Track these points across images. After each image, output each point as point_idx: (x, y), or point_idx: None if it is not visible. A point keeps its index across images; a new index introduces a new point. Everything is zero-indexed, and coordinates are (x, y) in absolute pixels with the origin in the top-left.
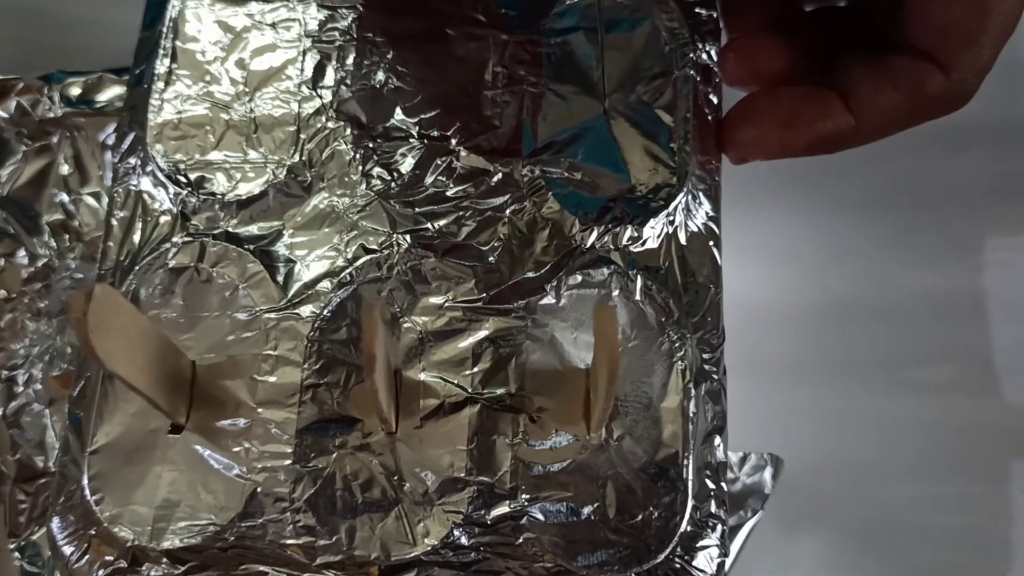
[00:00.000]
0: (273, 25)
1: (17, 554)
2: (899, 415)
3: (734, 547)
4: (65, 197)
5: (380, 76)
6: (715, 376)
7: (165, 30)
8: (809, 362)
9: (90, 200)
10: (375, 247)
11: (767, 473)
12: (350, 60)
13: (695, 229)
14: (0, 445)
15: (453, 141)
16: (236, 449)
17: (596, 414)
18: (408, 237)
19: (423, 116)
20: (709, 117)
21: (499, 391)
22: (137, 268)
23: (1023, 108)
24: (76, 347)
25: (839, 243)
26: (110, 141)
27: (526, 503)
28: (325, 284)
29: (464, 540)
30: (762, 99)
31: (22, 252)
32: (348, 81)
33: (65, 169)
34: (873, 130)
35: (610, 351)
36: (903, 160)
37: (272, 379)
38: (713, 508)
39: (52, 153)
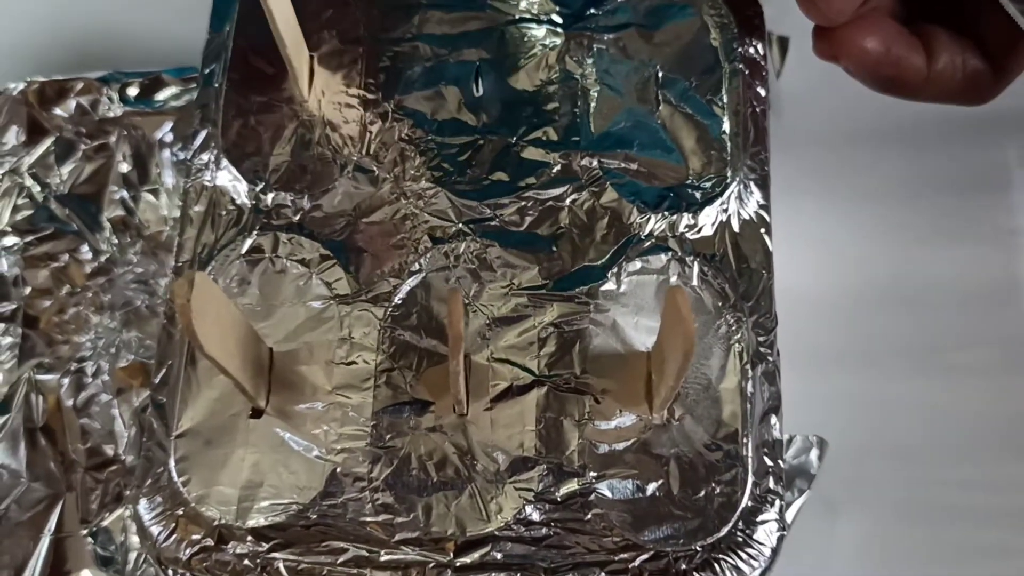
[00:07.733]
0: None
1: (90, 539)
2: (939, 399)
3: None
4: (125, 194)
5: (441, 73)
6: (770, 358)
7: (232, 31)
8: (850, 348)
9: (149, 196)
10: (442, 237)
11: (813, 454)
12: (412, 58)
13: (747, 217)
14: (71, 434)
15: (513, 135)
16: (315, 431)
17: (663, 393)
18: (473, 227)
19: (484, 111)
20: (758, 109)
21: (564, 374)
22: (214, 261)
23: None
24: (141, 339)
25: (877, 231)
26: (168, 139)
27: (594, 480)
28: (395, 273)
29: (535, 516)
30: (870, 15)
31: (85, 247)
32: (411, 78)
33: (124, 167)
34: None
35: (686, 329)
36: (938, 147)
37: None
38: (771, 484)
39: (111, 151)
